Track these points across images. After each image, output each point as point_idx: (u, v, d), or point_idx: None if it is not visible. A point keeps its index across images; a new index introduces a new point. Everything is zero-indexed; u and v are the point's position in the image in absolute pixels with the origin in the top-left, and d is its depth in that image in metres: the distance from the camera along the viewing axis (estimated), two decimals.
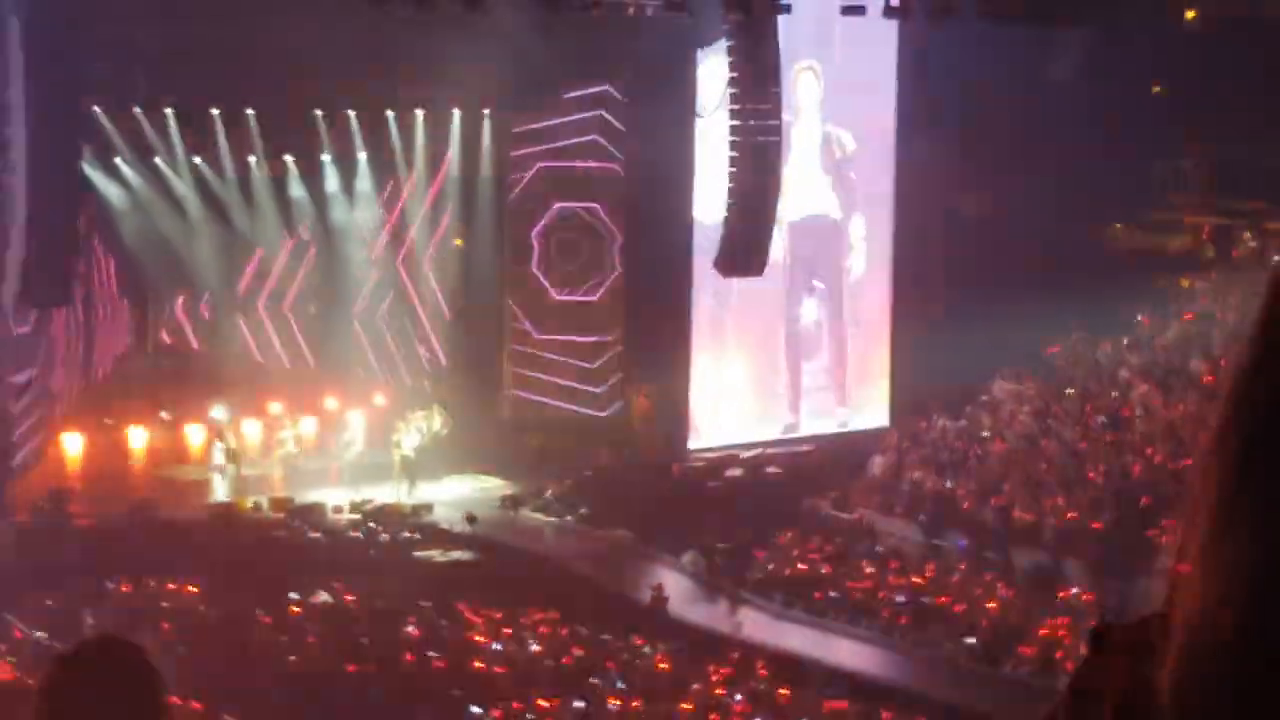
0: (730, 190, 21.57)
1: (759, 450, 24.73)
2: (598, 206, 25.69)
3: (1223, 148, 26.09)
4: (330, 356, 26.91)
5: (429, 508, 22.67)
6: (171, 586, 19.92)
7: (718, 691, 16.87)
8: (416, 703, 16.64)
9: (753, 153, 21.13)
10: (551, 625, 19.24)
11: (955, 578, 19.70)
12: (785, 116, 22.47)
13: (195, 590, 19.87)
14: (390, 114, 25.85)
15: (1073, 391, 23.84)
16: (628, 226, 25.17)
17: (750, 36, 20.85)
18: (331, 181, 26.46)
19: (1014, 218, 25.69)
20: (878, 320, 26.14)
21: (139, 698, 2.16)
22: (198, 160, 25.56)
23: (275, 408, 25.23)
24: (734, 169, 21.40)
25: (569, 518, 23.05)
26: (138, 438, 25.57)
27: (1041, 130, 24.66)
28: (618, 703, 16.39)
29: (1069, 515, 20.26)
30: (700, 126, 23.97)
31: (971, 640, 18.09)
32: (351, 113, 25.49)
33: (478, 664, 17.59)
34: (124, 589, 19.71)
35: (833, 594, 19.65)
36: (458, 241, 27.17)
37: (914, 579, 19.82)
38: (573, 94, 25.35)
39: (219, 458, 24.02)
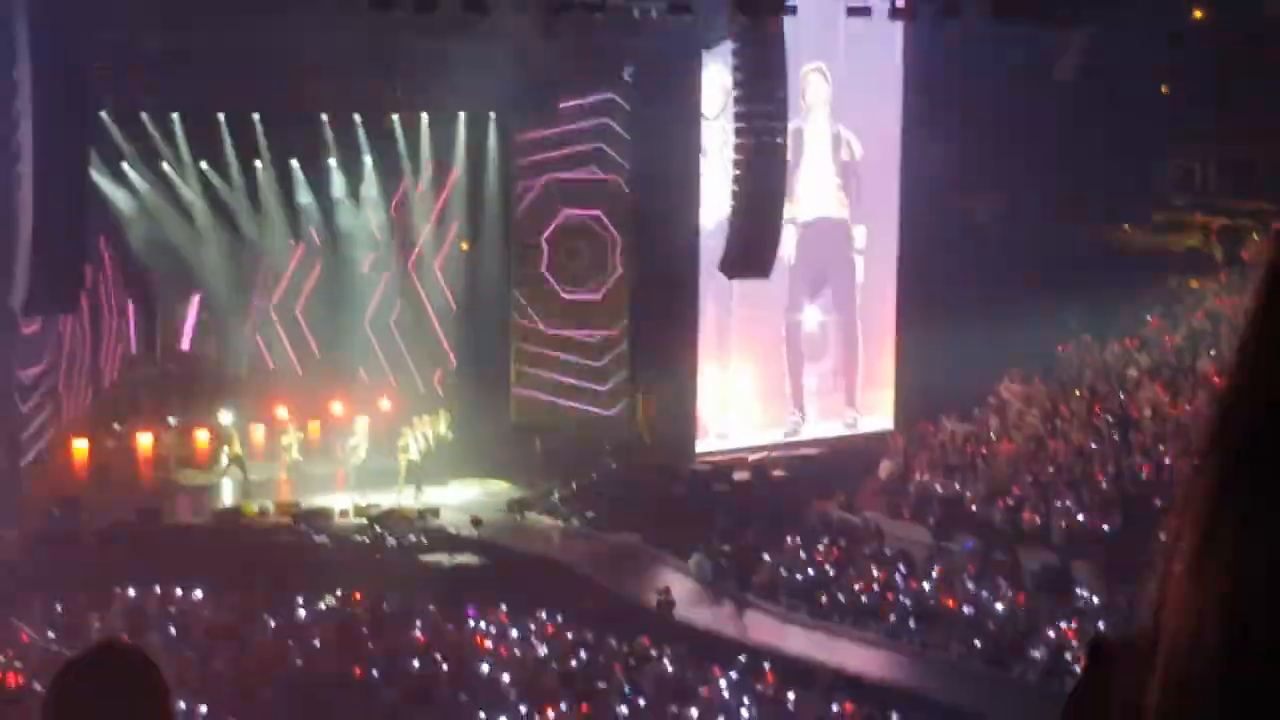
0: (735, 193, 21.56)
1: (766, 453, 24.70)
2: (603, 209, 25.68)
3: (1231, 148, 26.03)
4: (337, 361, 26.93)
5: (435, 512, 22.68)
6: (178, 591, 19.94)
7: (724, 695, 16.84)
8: (423, 707, 16.63)
9: (758, 155, 21.11)
10: (558, 629, 19.23)
11: (963, 580, 19.64)
12: (794, 118, 22.46)
13: (202, 595, 19.89)
14: (396, 119, 25.87)
15: (1081, 393, 23.78)
16: (633, 229, 25.16)
17: (755, 38, 20.83)
18: (338, 187, 26.49)
19: (1021, 219, 25.65)
20: (884, 322, 26.10)
21: (145, 703, 2.16)
22: (204, 166, 25.60)
23: (282, 412, 25.26)
24: (739, 171, 21.38)
25: (575, 521, 23.04)
26: (145, 443, 25.63)
27: (1048, 131, 24.61)
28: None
29: (1077, 517, 20.21)
30: (706, 129, 23.96)
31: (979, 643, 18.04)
32: (357, 117, 25.51)
33: (484, 668, 17.58)
34: (131, 594, 19.74)
35: (840, 597, 19.61)
36: (464, 245, 27.18)
37: (922, 582, 19.77)
38: (577, 96, 25.36)
39: (226, 463, 24.07)
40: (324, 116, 25.37)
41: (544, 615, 19.59)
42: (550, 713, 16.27)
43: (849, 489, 23.06)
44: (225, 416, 24.92)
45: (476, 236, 26.88)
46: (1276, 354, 0.89)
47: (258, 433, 25.35)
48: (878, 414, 25.86)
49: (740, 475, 23.95)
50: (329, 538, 21.99)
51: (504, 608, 19.68)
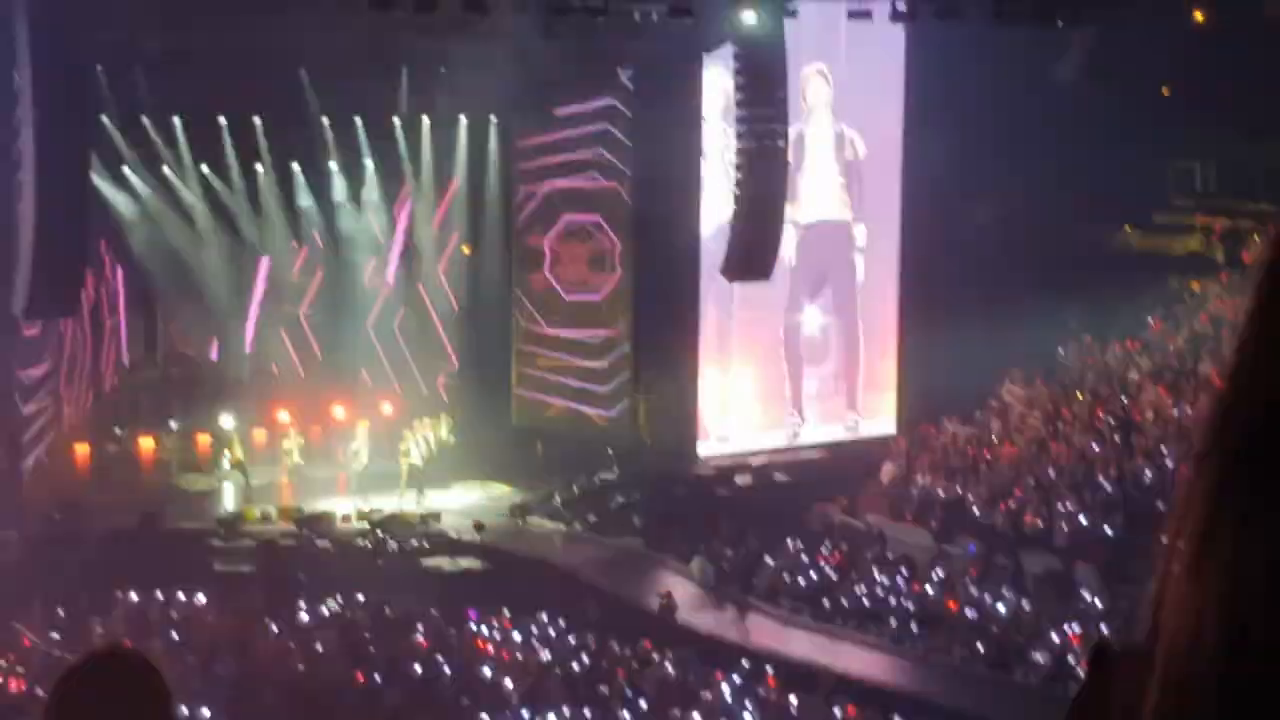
0: (737, 195, 21.54)
1: (768, 457, 24.67)
2: (604, 212, 25.68)
3: (1232, 149, 26.02)
4: (338, 365, 26.93)
5: (437, 516, 22.66)
6: (180, 596, 19.93)
7: (726, 699, 16.81)
8: (425, 711, 16.61)
9: (759, 158, 21.10)
10: (560, 633, 19.21)
11: (966, 583, 19.61)
12: (795, 121, 22.44)
13: (203, 600, 19.87)
14: (397, 122, 25.87)
15: (1083, 395, 23.76)
16: (634, 232, 25.16)
17: (756, 41, 20.82)
18: (339, 190, 26.49)
19: (1022, 221, 25.63)
20: (886, 325, 26.09)
21: (147, 708, 2.16)
22: (205, 169, 25.60)
23: (283, 416, 25.26)
24: (740, 174, 21.37)
25: (577, 525, 23.02)
26: (147, 446, 25.63)
27: (1050, 133, 24.59)
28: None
29: (1080, 520, 20.17)
30: (706, 132, 23.95)
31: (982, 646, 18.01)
32: (358, 120, 25.51)
33: (486, 672, 17.56)
34: (133, 598, 19.72)
35: (842, 600, 19.58)
36: (465, 249, 27.18)
37: (924, 585, 19.74)
38: (578, 99, 25.37)
39: (227, 467, 24.06)
40: (325, 120, 25.37)
41: (546, 619, 19.56)
42: (552, 717, 16.25)
43: (851, 492, 23.03)
44: (226, 421, 24.91)
45: (478, 240, 26.88)
46: (1275, 354, 0.89)
47: (259, 437, 25.34)
48: (879, 417, 25.85)
49: (742, 479, 23.93)
50: (331, 542, 21.97)
51: (506, 612, 19.66)
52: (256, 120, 25.07)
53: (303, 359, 27.38)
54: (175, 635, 18.54)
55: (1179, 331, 25.55)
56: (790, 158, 22.21)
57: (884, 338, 26.04)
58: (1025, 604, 18.76)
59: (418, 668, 17.57)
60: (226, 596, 19.79)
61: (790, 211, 22.98)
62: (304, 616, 19.47)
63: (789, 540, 21.36)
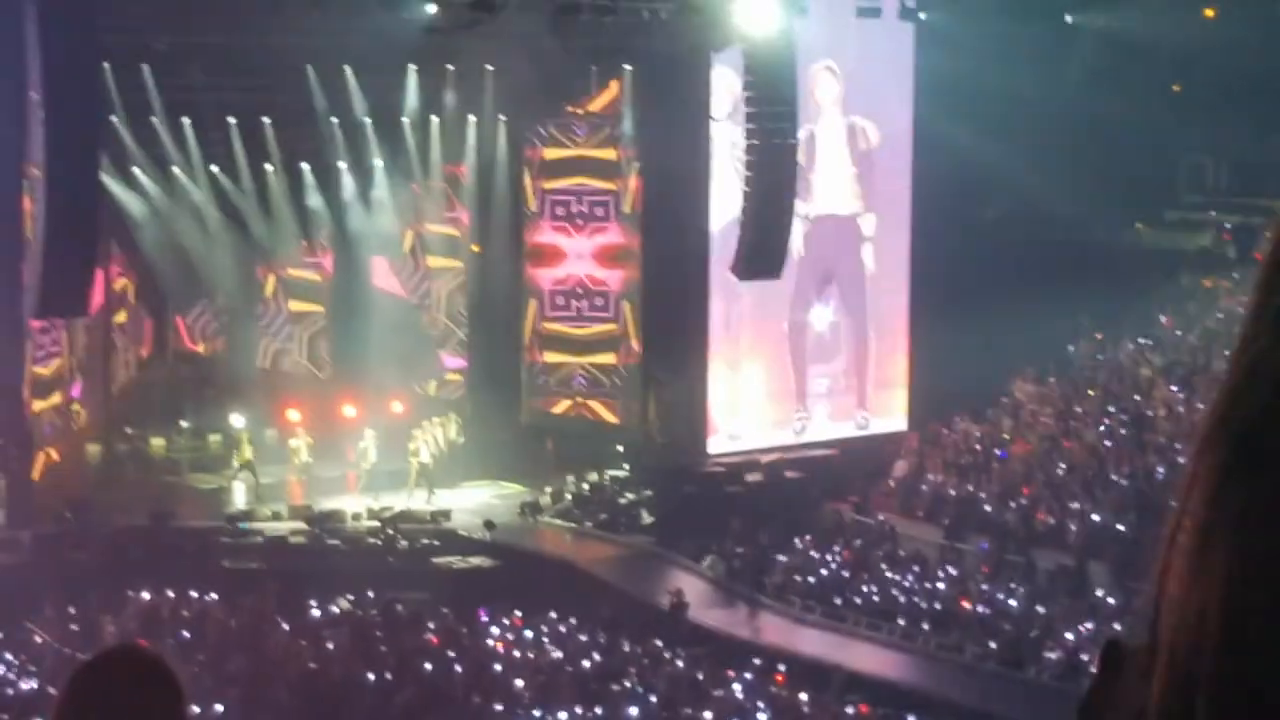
0: (746, 193, 21.51)
1: (779, 454, 24.64)
2: (613, 210, 25.66)
3: (1243, 146, 25.95)
4: (348, 364, 26.93)
5: (447, 514, 22.66)
6: (192, 594, 19.95)
7: (738, 696, 16.79)
8: (436, 710, 16.61)
9: (768, 155, 21.06)
10: (571, 631, 19.20)
11: (977, 581, 19.57)
12: (805, 120, 22.39)
13: (215, 598, 19.89)
14: (405, 121, 25.86)
15: (1095, 392, 23.71)
16: (644, 230, 25.14)
17: (765, 39, 20.77)
18: (348, 189, 26.49)
19: (1033, 218, 25.58)
20: (897, 322, 26.03)
21: (159, 706, 2.14)
22: (215, 169, 25.63)
23: (294, 415, 25.28)
24: (750, 172, 21.34)
25: (588, 523, 23.01)
26: (158, 446, 25.67)
27: (1060, 129, 24.54)
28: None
29: (1092, 517, 20.12)
30: (715, 130, 23.92)
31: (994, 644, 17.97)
32: (367, 120, 25.50)
33: (497, 670, 17.55)
34: (144, 597, 19.75)
35: (853, 598, 19.55)
36: (475, 247, 27.17)
37: (936, 583, 19.70)
38: (586, 97, 25.35)
39: (237, 466, 24.09)
40: (334, 119, 25.37)
41: (556, 617, 19.56)
42: (563, 715, 16.24)
43: (862, 490, 22.99)
44: (237, 420, 24.94)
45: (487, 238, 26.86)
46: (1277, 347, 0.88)
47: (270, 436, 25.36)
48: (891, 414, 25.79)
49: (753, 476, 23.90)
50: (342, 540, 21.99)
51: (517, 610, 19.65)
52: (265, 119, 25.07)
53: (312, 358, 27.39)
54: (187, 633, 18.56)
55: (1190, 328, 25.49)
56: (802, 158, 22.17)
57: (895, 335, 25.99)
58: (1037, 601, 18.72)
59: (428, 666, 17.57)
60: (238, 594, 19.80)
61: (800, 206, 22.94)
62: (315, 614, 19.48)
63: (800, 538, 21.33)
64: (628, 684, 17.14)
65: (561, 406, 26.22)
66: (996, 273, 24.07)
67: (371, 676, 17.25)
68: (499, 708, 16.49)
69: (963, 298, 23.51)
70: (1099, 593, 18.60)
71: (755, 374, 25.10)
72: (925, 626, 18.71)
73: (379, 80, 24.29)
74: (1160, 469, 20.73)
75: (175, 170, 25.46)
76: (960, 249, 24.42)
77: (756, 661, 17.85)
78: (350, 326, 27.03)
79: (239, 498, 23.76)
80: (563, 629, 19.27)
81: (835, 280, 25.71)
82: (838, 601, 19.55)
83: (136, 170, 25.17)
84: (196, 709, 15.15)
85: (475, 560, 21.72)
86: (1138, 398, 23.20)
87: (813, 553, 20.89)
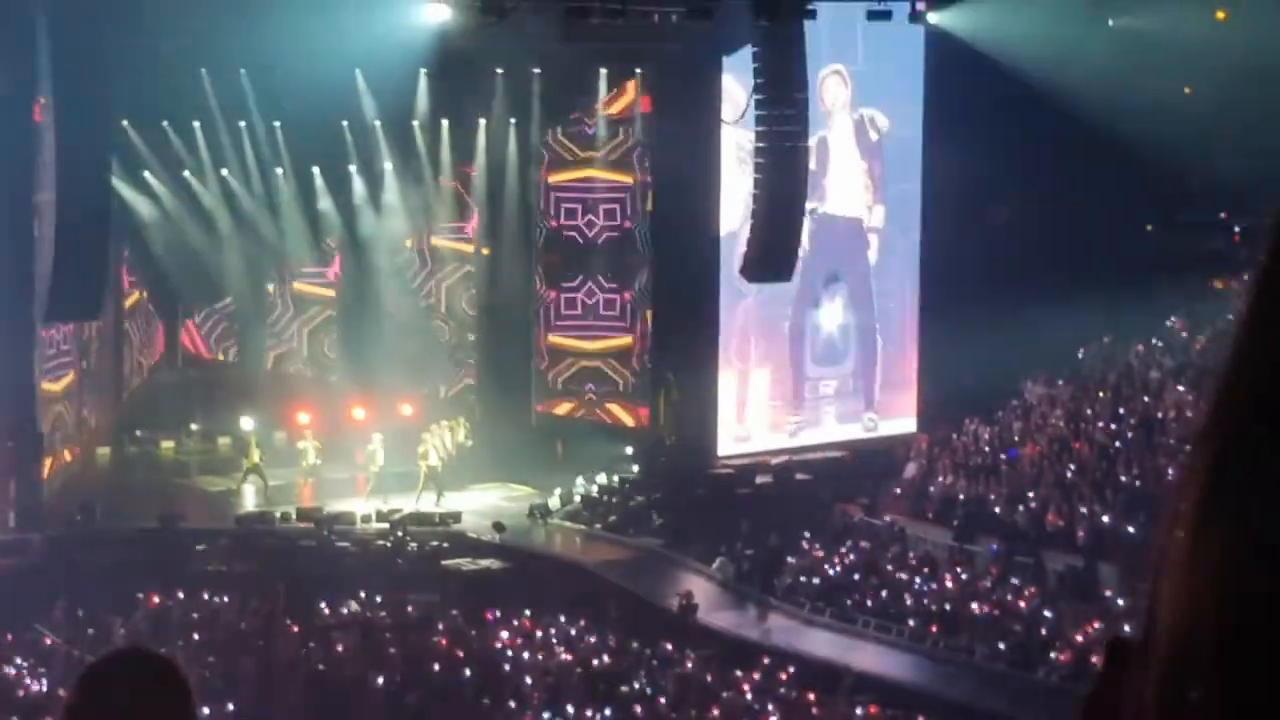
0: (756, 197, 21.51)
1: (788, 456, 24.63)
2: (624, 213, 25.68)
3: (1254, 148, 25.85)
4: (357, 367, 26.96)
5: (457, 517, 22.68)
6: (203, 596, 19.99)
7: (748, 698, 16.79)
8: (445, 711, 16.62)
9: (779, 159, 21.05)
10: (580, 632, 19.20)
11: (987, 583, 19.54)
12: (815, 126, 22.36)
13: (225, 600, 19.93)
14: (415, 124, 25.89)
15: (1105, 394, 23.66)
16: (654, 233, 25.16)
17: (776, 43, 20.77)
18: (358, 192, 26.53)
19: (1043, 220, 25.53)
20: (906, 324, 26.00)
21: (169, 708, 2.15)
22: (225, 172, 25.68)
23: (303, 418, 25.32)
24: (760, 176, 21.33)
25: (597, 525, 23.02)
26: (167, 448, 25.72)
27: (1070, 132, 24.49)
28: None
29: (1102, 519, 20.08)
30: (726, 134, 23.91)
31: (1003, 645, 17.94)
32: (377, 123, 25.54)
33: (506, 672, 17.56)
34: (154, 599, 19.79)
35: (863, 600, 19.53)
36: (484, 250, 27.20)
37: (945, 584, 19.67)
38: (598, 101, 25.37)
39: (246, 469, 24.13)
40: (344, 122, 25.40)
41: (566, 619, 19.56)
42: (573, 716, 16.24)
43: (871, 492, 22.97)
44: (247, 422, 24.98)
45: (497, 241, 26.88)
46: (1274, 338, 0.88)
47: (279, 439, 25.40)
48: (900, 416, 25.76)
49: (762, 478, 23.89)
50: (351, 543, 22.01)
51: (526, 612, 19.66)
52: (276, 123, 25.12)
53: (322, 361, 27.43)
54: (196, 635, 18.59)
55: (1201, 330, 25.43)
56: (813, 164, 22.15)
57: (904, 337, 25.96)
58: (1047, 603, 18.68)
59: (438, 667, 17.58)
60: (247, 597, 19.83)
61: (810, 206, 22.93)
62: (325, 616, 19.50)
63: (809, 539, 21.31)
64: (637, 685, 17.14)
65: (571, 409, 26.23)
66: (1006, 274, 24.03)
67: (381, 678, 17.27)
68: (509, 709, 16.49)
69: (972, 299, 23.47)
70: (1108, 594, 18.56)
71: (765, 377, 25.09)
72: (934, 628, 18.68)
73: (389, 83, 24.33)
74: (1170, 471, 20.67)
75: (185, 174, 25.52)
76: (970, 250, 24.39)
77: (766, 662, 17.84)
78: (360, 329, 27.07)
79: (248, 500, 23.80)
80: (572, 630, 19.27)
81: (843, 280, 25.68)
82: (847, 603, 19.54)
83: (147, 174, 25.23)
84: (206, 710, 15.18)
85: (485, 562, 21.74)
86: (1148, 399, 23.14)
87: (822, 555, 20.87)
